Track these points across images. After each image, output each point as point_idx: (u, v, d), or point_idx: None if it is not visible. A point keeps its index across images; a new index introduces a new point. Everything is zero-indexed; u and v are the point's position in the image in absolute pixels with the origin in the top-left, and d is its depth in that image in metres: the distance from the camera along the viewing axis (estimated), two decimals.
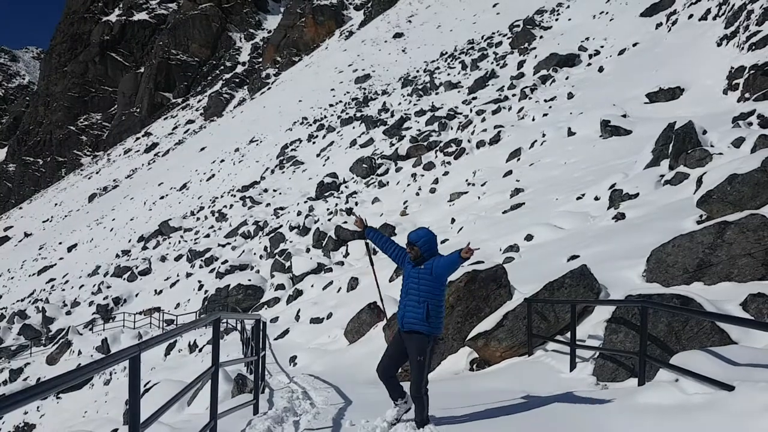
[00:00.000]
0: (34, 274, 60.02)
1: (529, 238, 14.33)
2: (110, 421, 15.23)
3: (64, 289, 45.54)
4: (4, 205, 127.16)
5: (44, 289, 49.73)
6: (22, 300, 48.71)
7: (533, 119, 30.15)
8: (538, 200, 18.22)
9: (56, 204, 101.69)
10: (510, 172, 23.85)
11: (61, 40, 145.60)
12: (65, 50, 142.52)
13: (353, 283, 19.37)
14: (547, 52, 41.24)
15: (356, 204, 32.16)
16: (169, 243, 46.16)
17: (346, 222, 27.82)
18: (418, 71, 67.55)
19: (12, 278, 63.48)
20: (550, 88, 35.46)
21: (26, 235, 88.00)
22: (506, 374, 6.95)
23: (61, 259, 61.91)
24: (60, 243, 70.26)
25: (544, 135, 26.29)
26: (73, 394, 23.42)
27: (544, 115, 29.87)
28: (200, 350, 22.58)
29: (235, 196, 49.91)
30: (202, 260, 36.23)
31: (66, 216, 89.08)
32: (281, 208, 39.72)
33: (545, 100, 32.69)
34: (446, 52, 67.86)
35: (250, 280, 27.84)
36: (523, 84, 38.43)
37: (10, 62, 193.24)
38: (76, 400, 22.43)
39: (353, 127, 52.64)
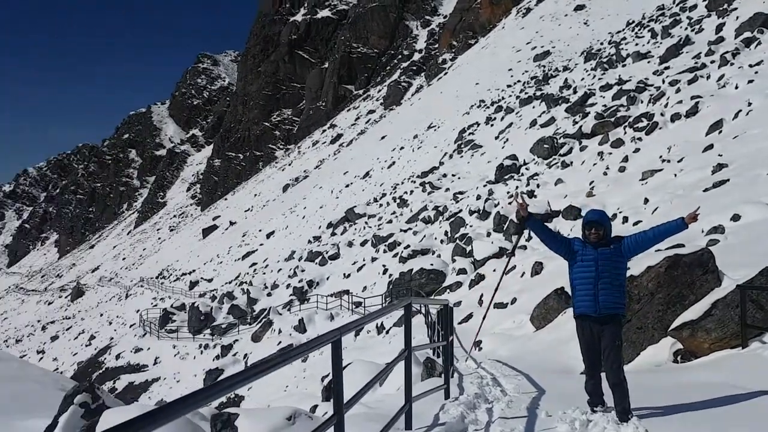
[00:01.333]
0: (239, 259, 65.81)
1: (735, 218, 12.98)
2: (309, 396, 16.27)
3: (264, 273, 49.40)
4: (212, 197, 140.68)
5: (248, 273, 54.38)
6: (230, 282, 53.66)
7: (736, 87, 27.19)
8: (744, 176, 16.43)
9: (255, 195, 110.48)
10: (711, 146, 21.75)
11: (254, 42, 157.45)
12: (258, 52, 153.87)
13: (537, 268, 18.86)
14: (751, 11, 36.89)
15: (537, 186, 31.26)
16: (355, 229, 48.19)
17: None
18: (602, 43, 63.92)
19: (221, 263, 70.16)
20: (756, 51, 31.73)
21: (231, 223, 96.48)
22: (717, 368, 6.33)
23: (261, 245, 67.27)
24: (260, 230, 76.35)
25: (749, 104, 23.63)
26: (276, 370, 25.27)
27: (750, 81, 26.80)
28: (387, 332, 23.36)
29: (414, 182, 50.82)
30: (385, 245, 37.37)
31: (264, 205, 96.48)
32: (460, 193, 39.75)
33: (750, 65, 29.31)
34: (633, 21, 63.45)
35: (432, 264, 28.21)
36: (723, 49, 34.77)
37: (212, 66, 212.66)
38: (278, 376, 24.21)
39: (533, 107, 51.18)
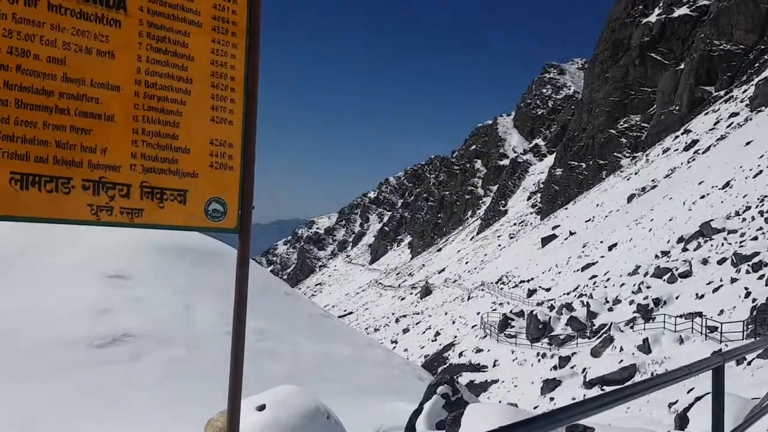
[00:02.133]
0: (578, 270, 64.64)
1: None
2: (655, 422, 15.18)
3: (605, 286, 47.67)
4: (552, 206, 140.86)
5: (587, 285, 53.08)
6: (568, 293, 53.03)
7: None
8: None
9: (597, 205, 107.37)
10: None
11: (603, 48, 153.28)
12: (607, 57, 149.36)
13: None
14: None
15: None
16: (711, 245, 43.55)
17: None
18: None
19: (559, 272, 69.77)
20: None
21: (571, 233, 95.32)
22: None
23: (602, 257, 65.07)
24: (601, 242, 73.91)
25: None
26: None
27: None
28: (749, 363, 20.61)
29: None
30: (748, 265, 33.05)
31: (606, 216, 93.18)
32: None
33: None
34: None
35: None
36: None
37: (558, 75, 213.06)
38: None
39: None
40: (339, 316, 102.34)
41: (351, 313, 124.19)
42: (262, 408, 4.85)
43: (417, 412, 6.51)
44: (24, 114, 2.20)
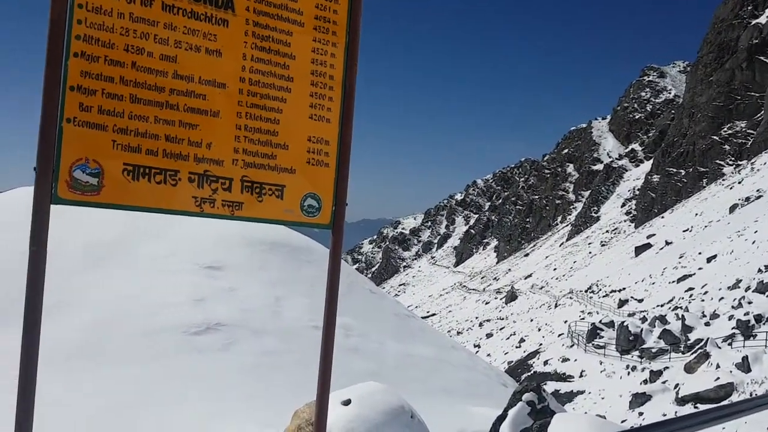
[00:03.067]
0: (673, 282, 61.82)
1: None
2: None
3: (703, 300, 45.37)
4: (648, 214, 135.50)
5: (683, 297, 50.66)
6: (662, 305, 50.78)
7: None
8: None
9: (696, 214, 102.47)
10: None
11: (707, 50, 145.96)
12: (711, 60, 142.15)
13: None
14: None
15: None
16: None
17: None
18: None
19: (653, 283, 66.99)
20: None
21: (667, 243, 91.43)
22: None
23: (700, 269, 61.94)
24: (699, 253, 70.39)
25: None
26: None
27: None
28: None
29: None
30: None
31: (706, 226, 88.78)
32: None
33: None
34: None
35: None
36: None
37: (658, 78, 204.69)
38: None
39: None
40: (422, 317, 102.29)
41: (434, 314, 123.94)
42: (347, 403, 4.92)
43: (501, 418, 6.40)
44: (137, 109, 2.32)
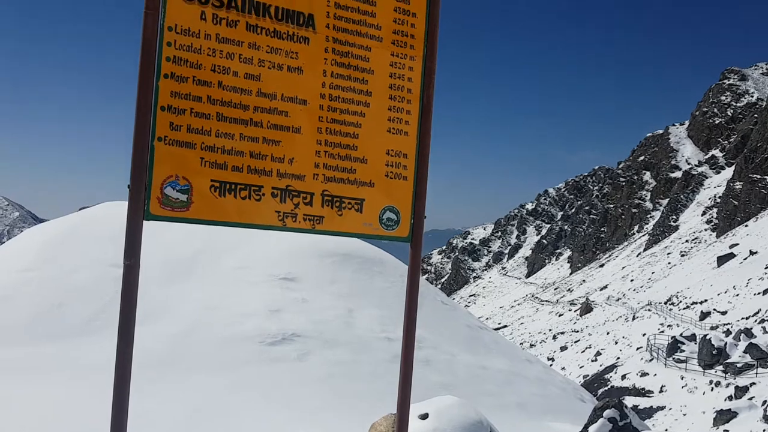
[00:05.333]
0: (759, 293, 58.85)
1: None
2: None
3: None
4: (731, 223, 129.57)
5: None
6: (747, 318, 48.41)
7: None
8: None
9: None
10: None
11: None
12: None
13: None
14: None
15: None
16: None
17: None
18: None
19: (737, 295, 63.94)
20: None
21: (751, 252, 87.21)
22: None
23: None
24: None
25: None
26: None
27: None
28: None
29: None
30: None
31: None
32: None
33: None
34: None
35: None
36: None
37: (739, 81, 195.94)
38: None
39: None
40: (493, 329, 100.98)
41: (506, 326, 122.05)
42: (425, 417, 4.89)
43: None
44: (223, 126, 2.40)
